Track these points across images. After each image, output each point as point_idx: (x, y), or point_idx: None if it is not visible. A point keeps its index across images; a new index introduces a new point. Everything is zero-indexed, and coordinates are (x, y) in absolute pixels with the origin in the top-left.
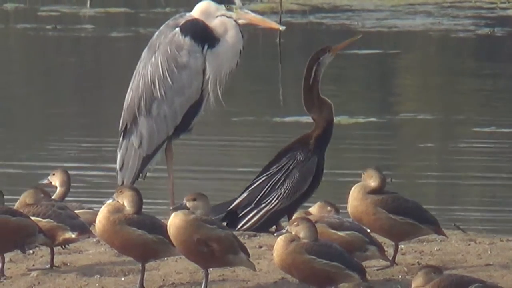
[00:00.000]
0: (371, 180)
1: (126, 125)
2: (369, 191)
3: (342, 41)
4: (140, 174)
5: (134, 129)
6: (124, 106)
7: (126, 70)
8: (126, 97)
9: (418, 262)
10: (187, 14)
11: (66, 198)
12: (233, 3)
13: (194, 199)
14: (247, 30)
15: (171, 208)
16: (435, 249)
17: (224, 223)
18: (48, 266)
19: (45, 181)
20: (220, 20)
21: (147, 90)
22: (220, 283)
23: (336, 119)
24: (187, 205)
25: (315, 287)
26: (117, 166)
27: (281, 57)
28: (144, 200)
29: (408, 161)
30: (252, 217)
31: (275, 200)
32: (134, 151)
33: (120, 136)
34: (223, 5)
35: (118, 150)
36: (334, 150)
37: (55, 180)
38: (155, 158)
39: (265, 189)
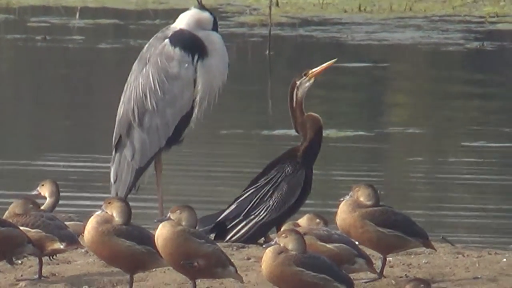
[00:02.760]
0: (367, 198)
1: (119, 138)
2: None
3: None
4: (134, 187)
5: (126, 142)
6: (116, 119)
7: (115, 81)
8: (118, 110)
9: (406, 274)
10: (172, 26)
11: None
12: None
13: (179, 211)
14: (236, 42)
15: (155, 220)
16: (423, 262)
17: (212, 235)
18: (36, 276)
19: (34, 192)
20: (205, 32)
21: (138, 102)
22: None
23: (325, 133)
24: (171, 217)
25: None
26: (111, 179)
27: (270, 70)
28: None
29: (396, 174)
30: (241, 228)
31: (263, 212)
32: (127, 164)
33: (113, 150)
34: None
35: (111, 164)
36: (323, 162)
37: (44, 190)
38: (148, 170)
39: (253, 201)
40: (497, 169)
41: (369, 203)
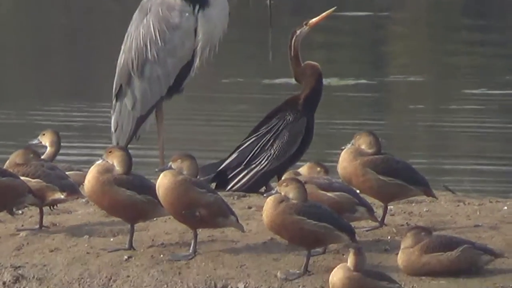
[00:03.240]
0: (368, 146)
1: (120, 88)
2: (364, 155)
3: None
4: (134, 136)
5: (127, 91)
6: (117, 68)
7: (116, 31)
8: (119, 60)
9: (407, 223)
10: None
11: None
12: None
13: (180, 160)
14: None
15: (156, 169)
16: (424, 210)
17: (214, 184)
18: (37, 226)
19: (35, 141)
20: None
21: (139, 52)
22: (209, 243)
23: (326, 81)
24: (172, 166)
25: (304, 248)
26: (112, 128)
27: (271, 20)
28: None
29: (398, 122)
30: (242, 178)
31: (264, 161)
32: (128, 113)
33: (114, 99)
34: None
35: (112, 112)
36: (324, 111)
37: (45, 140)
38: (149, 119)
39: (254, 150)
40: (498, 117)
41: (370, 151)
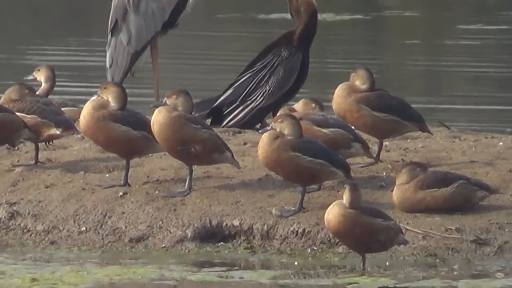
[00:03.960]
0: (361, 81)
1: (115, 23)
2: (358, 92)
3: None
4: (130, 71)
5: (123, 27)
6: (112, 4)
7: None
8: None
9: (402, 159)
10: None
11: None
12: None
13: (175, 96)
14: None
15: (151, 105)
16: (420, 146)
17: (209, 120)
18: (32, 162)
19: (30, 77)
20: None
21: None
22: (204, 179)
23: (321, 16)
24: (167, 102)
25: (299, 184)
26: (107, 64)
27: None
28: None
29: (393, 57)
30: (237, 114)
31: (260, 97)
32: (123, 48)
33: (109, 34)
34: None
35: (107, 48)
36: (320, 47)
37: (40, 75)
38: (144, 55)
39: (250, 86)
40: (494, 52)
41: (363, 86)
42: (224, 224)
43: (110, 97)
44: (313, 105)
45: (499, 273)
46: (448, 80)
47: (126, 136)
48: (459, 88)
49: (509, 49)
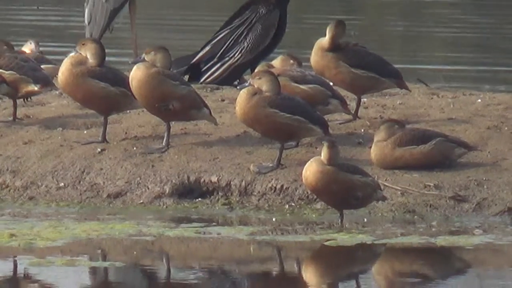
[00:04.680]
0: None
1: None
2: (324, 45)
3: None
4: (108, 28)
5: None
6: None
7: None
8: None
9: (380, 116)
10: None
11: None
12: None
13: (153, 52)
14: None
15: (130, 61)
16: (398, 103)
17: (187, 76)
18: (10, 118)
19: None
20: None
21: None
22: (182, 136)
23: None
24: (146, 58)
25: (277, 141)
26: (85, 20)
27: None
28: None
29: (372, 14)
30: (215, 70)
31: (238, 54)
32: (102, 5)
33: None
34: None
35: (85, 4)
36: (298, 3)
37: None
38: (122, 12)
39: (228, 42)
40: (473, 12)
41: (325, 38)
42: (202, 180)
43: (88, 53)
44: (291, 61)
45: (477, 230)
46: (426, 41)
47: (104, 92)
48: (437, 50)
49: (487, 9)
